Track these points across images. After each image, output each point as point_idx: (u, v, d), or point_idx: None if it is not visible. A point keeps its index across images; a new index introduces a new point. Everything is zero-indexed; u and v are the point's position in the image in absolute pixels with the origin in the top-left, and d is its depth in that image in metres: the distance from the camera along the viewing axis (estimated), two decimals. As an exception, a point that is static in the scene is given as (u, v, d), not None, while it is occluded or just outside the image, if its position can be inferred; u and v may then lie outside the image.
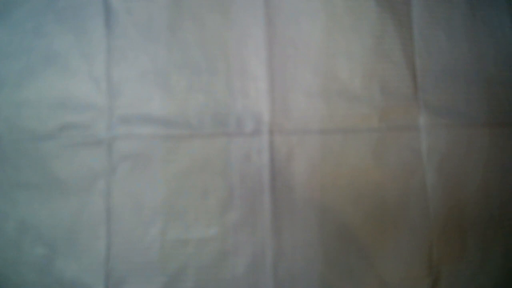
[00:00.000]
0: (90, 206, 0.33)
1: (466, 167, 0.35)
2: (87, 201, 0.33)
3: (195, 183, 0.34)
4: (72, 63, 0.34)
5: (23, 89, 0.34)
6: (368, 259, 0.34)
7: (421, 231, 0.34)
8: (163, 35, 0.35)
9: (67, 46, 0.34)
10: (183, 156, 0.34)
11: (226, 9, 0.35)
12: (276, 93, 0.35)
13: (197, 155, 0.34)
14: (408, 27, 0.36)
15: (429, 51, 0.36)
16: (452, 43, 0.36)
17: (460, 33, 0.37)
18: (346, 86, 0.35)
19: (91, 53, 0.34)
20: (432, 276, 0.33)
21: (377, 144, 0.35)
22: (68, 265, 0.33)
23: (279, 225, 0.34)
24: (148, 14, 0.35)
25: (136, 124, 0.34)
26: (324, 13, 0.36)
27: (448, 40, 0.36)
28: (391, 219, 0.34)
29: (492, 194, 0.35)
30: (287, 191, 0.34)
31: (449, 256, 0.34)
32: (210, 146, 0.34)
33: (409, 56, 0.36)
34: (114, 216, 0.33)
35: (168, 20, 0.35)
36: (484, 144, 0.36)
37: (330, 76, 0.35)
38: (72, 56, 0.34)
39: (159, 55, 0.35)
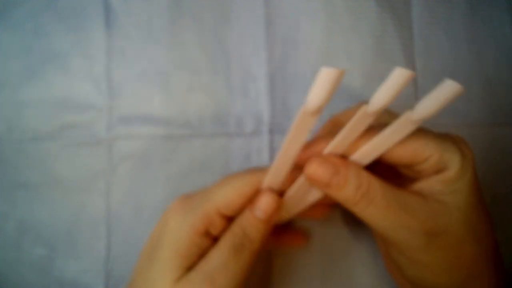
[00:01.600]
0: (90, 206, 0.33)
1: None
2: (87, 201, 0.33)
3: (195, 183, 0.34)
4: (72, 63, 0.34)
5: (23, 89, 0.34)
6: (368, 258, 0.34)
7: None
8: (163, 35, 0.35)
9: (67, 46, 0.34)
10: (183, 156, 0.34)
11: (226, 9, 0.35)
12: (276, 93, 0.35)
13: (197, 155, 0.34)
14: (408, 27, 0.36)
15: (429, 51, 0.36)
16: (452, 43, 0.36)
17: (460, 33, 0.37)
18: (346, 86, 0.35)
19: (91, 53, 0.34)
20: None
21: (377, 144, 0.35)
22: (68, 265, 0.33)
23: (279, 225, 0.34)
24: (148, 14, 0.35)
25: (136, 124, 0.34)
26: (324, 13, 0.36)
27: (448, 40, 0.36)
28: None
29: (492, 195, 0.35)
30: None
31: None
32: (210, 146, 0.34)
33: (409, 56, 0.36)
34: (114, 216, 0.33)
35: (168, 20, 0.35)
36: (484, 144, 0.36)
37: (330, 76, 0.35)
38: (72, 56, 0.34)
39: (159, 55, 0.35)
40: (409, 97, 0.35)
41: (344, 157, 0.23)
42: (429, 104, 0.20)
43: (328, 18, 0.36)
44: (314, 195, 0.25)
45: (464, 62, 0.36)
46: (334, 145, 0.23)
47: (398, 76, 0.20)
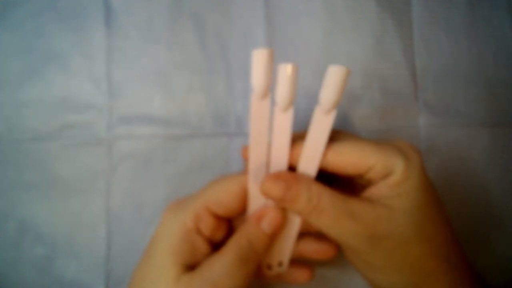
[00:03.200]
0: (90, 206, 0.33)
1: (466, 167, 0.35)
2: (87, 201, 0.33)
3: (195, 183, 0.34)
4: (72, 63, 0.34)
5: (23, 89, 0.34)
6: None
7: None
8: (163, 35, 0.35)
9: (67, 46, 0.34)
10: (183, 156, 0.34)
11: (226, 9, 0.35)
12: (276, 93, 0.35)
13: (197, 155, 0.34)
14: (408, 27, 0.36)
15: (429, 51, 0.36)
16: (452, 43, 0.36)
17: (460, 33, 0.37)
18: (346, 86, 0.35)
19: (92, 53, 0.34)
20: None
21: (377, 144, 0.35)
22: (68, 265, 0.33)
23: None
24: (149, 14, 0.35)
25: (136, 124, 0.34)
26: (324, 13, 0.36)
27: (448, 40, 0.36)
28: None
29: (492, 194, 0.35)
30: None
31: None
32: (210, 146, 0.34)
33: (409, 56, 0.36)
34: (114, 216, 0.33)
35: (168, 20, 0.35)
36: (484, 144, 0.36)
37: (330, 76, 0.35)
38: (72, 56, 0.34)
39: (159, 55, 0.35)
40: (409, 96, 0.35)
41: (292, 169, 0.25)
42: (328, 92, 0.23)
43: (328, 18, 0.36)
44: (294, 225, 0.26)
45: (464, 62, 0.36)
46: (273, 150, 0.24)
47: (335, 74, 0.22)
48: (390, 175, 0.23)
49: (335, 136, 0.25)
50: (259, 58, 0.21)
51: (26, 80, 0.34)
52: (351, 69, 0.22)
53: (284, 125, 0.24)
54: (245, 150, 0.26)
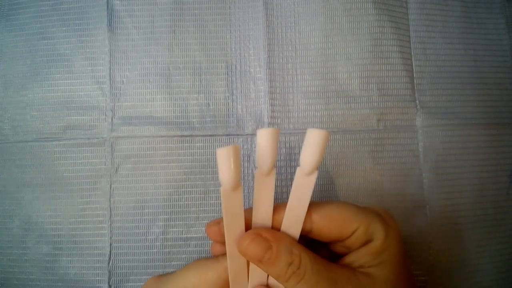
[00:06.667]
0: (93, 205, 0.34)
1: (462, 166, 0.36)
2: (90, 200, 0.34)
3: (195, 183, 0.34)
4: (75, 65, 0.35)
5: (28, 90, 0.35)
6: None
7: (418, 231, 0.34)
8: (164, 37, 0.35)
9: (71, 48, 0.35)
10: (184, 156, 0.34)
11: (226, 11, 0.36)
12: (276, 94, 0.35)
13: (198, 155, 0.34)
14: (406, 29, 0.37)
15: (426, 53, 0.37)
16: (448, 45, 0.37)
17: (456, 36, 0.37)
18: (344, 87, 0.36)
19: (94, 55, 0.35)
20: (428, 275, 0.34)
21: (375, 144, 0.35)
22: (72, 263, 0.33)
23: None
24: (150, 17, 0.35)
25: (138, 124, 0.34)
26: (323, 16, 0.36)
27: (444, 43, 0.37)
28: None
29: (487, 193, 0.36)
30: (286, 191, 0.34)
31: (445, 255, 0.34)
32: (211, 146, 0.34)
33: (406, 58, 0.36)
34: (117, 215, 0.34)
35: (170, 23, 0.35)
36: (479, 144, 0.36)
37: (329, 77, 0.36)
38: (75, 58, 0.35)
39: (160, 56, 0.35)
40: (406, 97, 0.36)
41: (275, 229, 0.24)
42: (308, 155, 0.21)
43: (327, 21, 0.36)
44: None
45: (459, 63, 0.37)
46: (256, 214, 0.23)
47: (315, 137, 0.21)
48: (371, 241, 0.23)
49: (316, 203, 0.24)
50: (224, 156, 0.20)
51: (30, 81, 0.35)
52: (329, 132, 0.21)
53: (267, 187, 0.23)
54: (210, 226, 0.25)
